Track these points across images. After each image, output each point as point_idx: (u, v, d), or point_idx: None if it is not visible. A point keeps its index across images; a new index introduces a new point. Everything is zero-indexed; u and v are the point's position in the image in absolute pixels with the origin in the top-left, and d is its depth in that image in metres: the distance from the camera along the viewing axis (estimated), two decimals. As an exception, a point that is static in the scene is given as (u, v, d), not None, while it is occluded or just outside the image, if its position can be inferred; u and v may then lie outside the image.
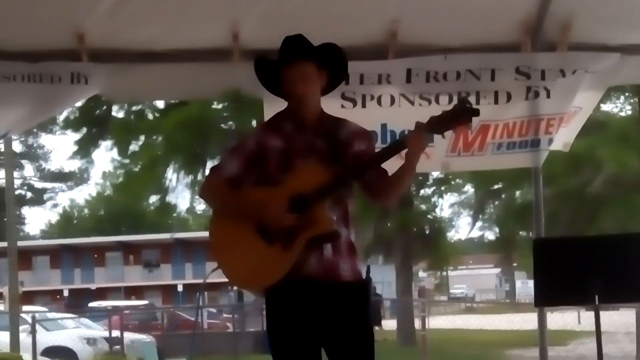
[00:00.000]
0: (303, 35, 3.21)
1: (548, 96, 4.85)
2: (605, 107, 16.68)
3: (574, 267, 4.01)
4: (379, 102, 4.87)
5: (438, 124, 3.09)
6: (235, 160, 3.21)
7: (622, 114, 17.72)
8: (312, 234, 3.03)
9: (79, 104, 13.88)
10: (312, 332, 3.07)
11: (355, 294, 3.11)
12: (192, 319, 26.66)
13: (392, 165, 3.16)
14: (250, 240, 3.08)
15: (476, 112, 3.09)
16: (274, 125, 3.25)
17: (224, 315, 27.85)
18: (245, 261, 3.09)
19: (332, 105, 3.30)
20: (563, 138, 5.11)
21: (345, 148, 3.17)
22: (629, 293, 4.12)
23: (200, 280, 41.91)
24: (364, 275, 3.17)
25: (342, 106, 4.75)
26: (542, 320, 5.17)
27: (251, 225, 3.10)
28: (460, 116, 3.08)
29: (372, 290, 3.63)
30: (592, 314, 4.15)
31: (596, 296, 3.98)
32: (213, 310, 29.27)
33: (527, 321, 14.87)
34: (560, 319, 15.63)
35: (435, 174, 20.35)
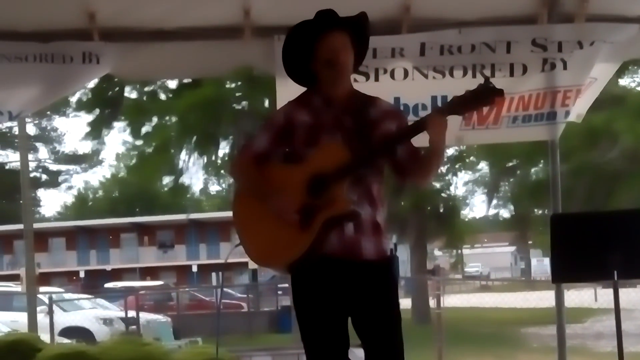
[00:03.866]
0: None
1: (565, 68, 4.77)
2: (623, 82, 16.50)
3: (592, 242, 3.96)
4: (392, 76, 4.79)
5: (459, 105, 3.01)
6: (264, 135, 3.18)
7: (640, 88, 17.53)
8: (330, 214, 3.02)
9: (91, 84, 13.88)
10: (337, 307, 3.07)
11: (378, 272, 3.09)
12: (207, 299, 26.83)
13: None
14: (270, 218, 3.08)
15: (499, 92, 3.00)
16: (304, 101, 3.19)
17: (239, 295, 27.98)
18: (264, 239, 3.10)
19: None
20: (577, 109, 5.04)
21: (373, 127, 3.11)
22: (648, 268, 4.07)
23: (214, 261, 42.17)
24: (389, 254, 3.13)
25: (355, 80, 4.68)
26: (559, 297, 5.13)
27: None
28: (482, 97, 2.98)
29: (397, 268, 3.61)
30: (609, 291, 4.10)
31: (615, 271, 3.93)
32: (228, 290, 29.37)
33: (542, 299, 14.84)
34: (577, 296, 15.59)
35: (450, 152, 20.24)
